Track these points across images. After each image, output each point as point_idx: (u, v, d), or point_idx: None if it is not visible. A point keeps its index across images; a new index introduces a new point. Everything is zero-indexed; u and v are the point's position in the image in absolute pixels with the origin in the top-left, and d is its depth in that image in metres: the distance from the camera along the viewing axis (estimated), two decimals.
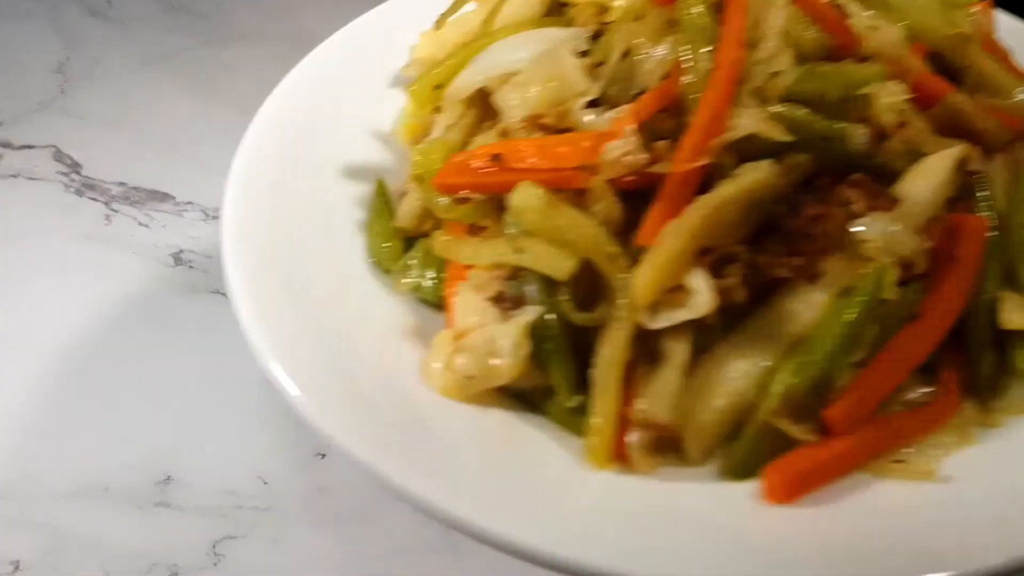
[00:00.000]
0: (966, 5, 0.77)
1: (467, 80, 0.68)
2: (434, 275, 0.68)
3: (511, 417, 0.61)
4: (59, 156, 1.25)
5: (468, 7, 0.79)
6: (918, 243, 0.59)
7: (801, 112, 0.60)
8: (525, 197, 0.60)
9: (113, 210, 1.16)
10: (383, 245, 0.70)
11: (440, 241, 0.66)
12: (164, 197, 1.17)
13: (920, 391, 0.62)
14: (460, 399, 0.61)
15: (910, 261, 0.59)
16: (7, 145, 1.29)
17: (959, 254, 0.60)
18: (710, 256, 0.58)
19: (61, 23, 1.57)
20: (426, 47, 0.82)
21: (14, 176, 1.23)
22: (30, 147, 1.28)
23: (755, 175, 0.58)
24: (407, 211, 0.71)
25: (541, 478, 0.57)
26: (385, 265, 0.70)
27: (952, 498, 0.55)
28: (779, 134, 0.59)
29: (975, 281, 0.61)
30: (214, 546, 0.76)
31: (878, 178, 0.61)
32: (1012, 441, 0.59)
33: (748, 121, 0.59)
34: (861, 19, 0.66)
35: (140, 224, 1.11)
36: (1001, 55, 0.73)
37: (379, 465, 0.54)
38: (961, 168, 0.60)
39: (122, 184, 1.19)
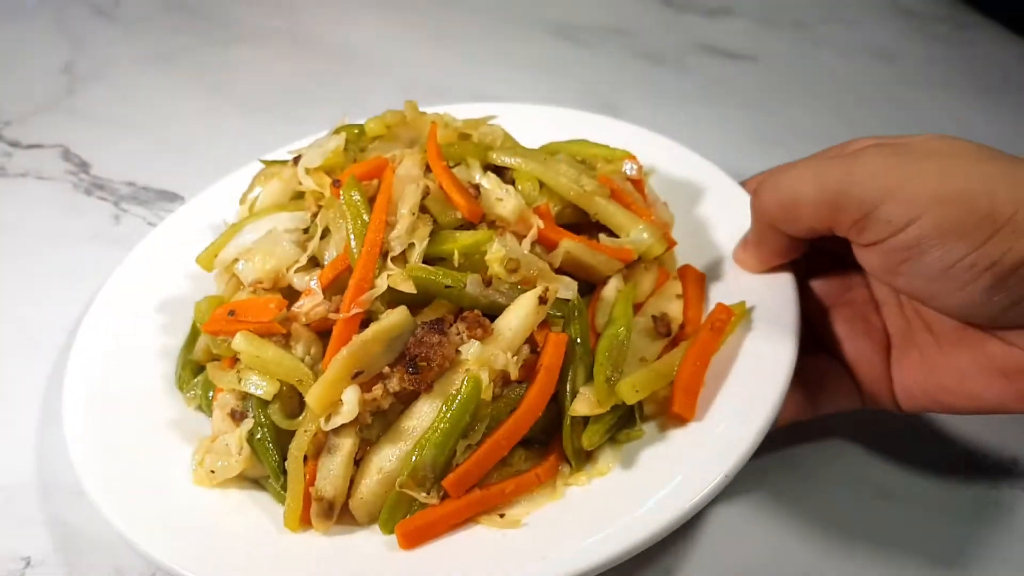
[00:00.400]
0: (621, 157, 1.03)
1: (226, 254, 0.96)
2: (210, 395, 0.94)
3: (244, 496, 0.87)
4: (67, 156, 1.23)
5: (258, 190, 1.08)
6: (507, 359, 0.83)
7: (426, 270, 0.85)
8: (239, 342, 0.87)
9: (122, 210, 1.13)
10: (181, 371, 0.98)
11: (210, 368, 0.93)
12: (173, 197, 1.14)
13: (535, 459, 0.86)
14: (209, 487, 0.87)
15: (505, 371, 0.84)
16: (15, 144, 1.26)
17: (545, 363, 0.84)
18: (361, 377, 0.83)
19: (67, 23, 1.56)
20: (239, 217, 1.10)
21: (23, 175, 1.21)
22: (39, 146, 1.25)
23: (392, 318, 0.84)
24: (199, 346, 0.99)
25: (246, 538, 0.82)
26: (180, 386, 0.97)
27: (517, 539, 0.79)
28: (408, 288, 0.85)
29: (562, 379, 0.85)
30: None
31: (488, 313, 0.86)
32: (584, 496, 0.82)
33: (384, 282, 0.85)
34: (490, 193, 0.92)
35: (149, 224, 1.11)
36: (627, 201, 0.97)
37: (126, 533, 0.80)
38: (543, 301, 0.85)
39: (131, 184, 1.18)
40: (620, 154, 1.03)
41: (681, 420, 0.84)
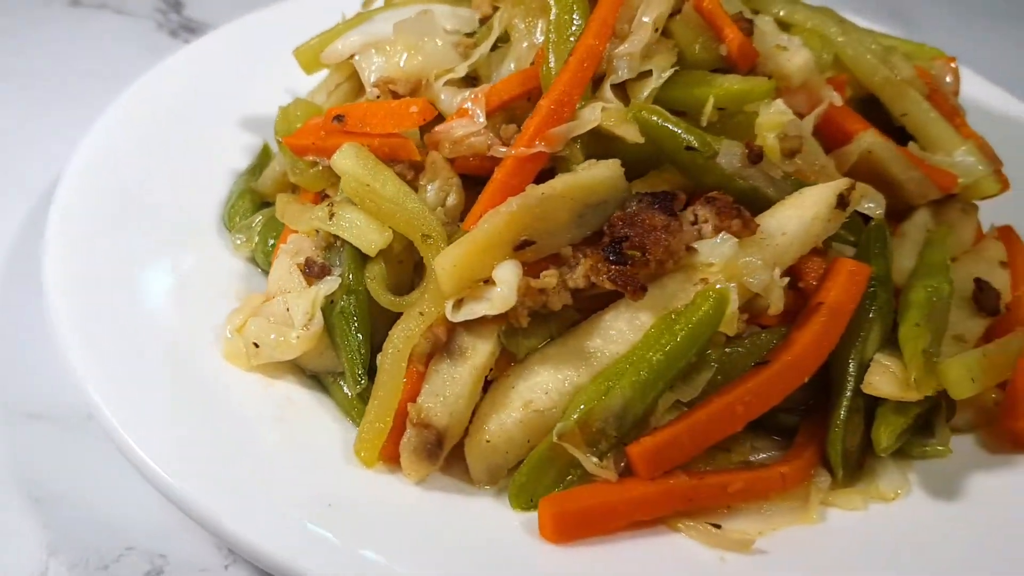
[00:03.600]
0: (929, 57, 0.70)
1: (342, 44, 0.64)
2: (272, 240, 0.62)
3: (294, 394, 0.55)
4: None
5: None
6: (772, 279, 0.51)
7: (663, 115, 0.53)
8: (346, 157, 0.55)
9: None
10: (236, 202, 0.66)
11: (280, 203, 0.61)
12: None
13: (770, 452, 0.53)
14: (244, 368, 0.55)
15: (762, 297, 0.51)
16: None
17: (830, 301, 0.52)
18: (530, 251, 0.51)
19: None
20: None
21: (100, 7, 1.02)
22: None
23: (597, 173, 0.52)
24: (268, 174, 0.67)
25: (299, 476, 0.49)
26: (228, 224, 0.65)
27: (742, 572, 0.46)
28: (631, 135, 0.53)
29: (847, 335, 0.52)
30: None
31: (744, 202, 0.53)
32: (854, 526, 0.49)
33: (595, 114, 0.53)
34: (767, 37, 0.59)
35: None
36: (950, 112, 0.64)
37: (124, 436, 0.48)
38: (842, 205, 0.52)
39: None
40: (930, 51, 0.70)
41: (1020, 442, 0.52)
